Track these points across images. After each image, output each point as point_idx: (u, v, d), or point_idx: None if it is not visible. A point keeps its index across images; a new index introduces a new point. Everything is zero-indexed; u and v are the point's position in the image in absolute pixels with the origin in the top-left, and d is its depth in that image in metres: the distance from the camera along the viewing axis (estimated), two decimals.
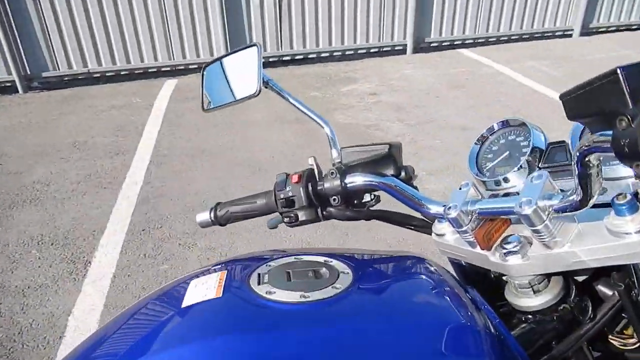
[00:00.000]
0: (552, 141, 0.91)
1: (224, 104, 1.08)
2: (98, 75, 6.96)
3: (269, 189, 0.97)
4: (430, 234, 0.88)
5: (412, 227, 0.96)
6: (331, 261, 0.84)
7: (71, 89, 6.75)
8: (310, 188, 0.90)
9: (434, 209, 0.81)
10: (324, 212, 0.93)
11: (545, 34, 8.50)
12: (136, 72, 7.08)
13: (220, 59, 1.11)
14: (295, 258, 0.86)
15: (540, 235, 0.68)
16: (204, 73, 1.13)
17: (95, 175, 4.29)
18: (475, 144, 1.02)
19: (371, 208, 0.96)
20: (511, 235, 0.76)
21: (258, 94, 1.00)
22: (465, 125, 4.91)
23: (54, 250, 3.27)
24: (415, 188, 0.91)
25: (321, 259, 0.85)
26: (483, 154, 1.01)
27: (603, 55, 7.22)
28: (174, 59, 7.11)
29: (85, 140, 5.06)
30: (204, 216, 1.01)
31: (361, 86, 6.41)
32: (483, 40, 8.26)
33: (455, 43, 8.15)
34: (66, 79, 6.87)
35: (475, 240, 0.75)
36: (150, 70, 7.13)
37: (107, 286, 2.89)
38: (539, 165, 0.91)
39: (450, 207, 0.75)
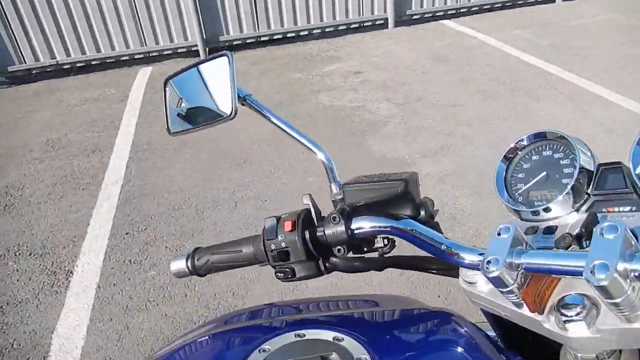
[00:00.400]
0: (604, 162, 0.76)
1: (192, 127, 0.91)
2: (68, 66, 6.60)
3: (257, 234, 0.80)
4: (458, 277, 0.73)
5: (436, 272, 0.81)
6: (341, 339, 0.69)
7: (40, 83, 6.41)
8: (307, 237, 0.74)
9: (468, 258, 0.66)
10: (327, 265, 0.77)
11: (528, 1, 8.32)
12: (108, 61, 6.74)
13: (184, 71, 0.93)
14: (296, 336, 0.71)
15: (619, 309, 0.52)
16: (167, 87, 0.94)
17: (71, 176, 4.06)
18: (502, 161, 0.86)
19: (386, 255, 0.80)
20: (569, 295, 0.60)
21: (234, 116, 0.83)
22: (455, 101, 4.75)
23: (32, 261, 3.06)
24: (437, 226, 0.75)
25: (329, 335, 0.70)
26: (512, 172, 0.85)
27: (588, 21, 7.09)
28: (146, 45, 6.77)
29: (58, 137, 4.79)
30: (180, 264, 0.84)
31: (344, 65, 6.19)
32: (465, 10, 8.05)
33: (437, 14, 7.93)
34: (34, 72, 6.51)
35: (522, 302, 0.60)
36: (122, 59, 6.79)
37: (92, 298, 2.72)
38: (588, 192, 0.75)
39: (490, 262, 0.58)
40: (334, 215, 0.74)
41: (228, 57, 0.85)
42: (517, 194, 0.82)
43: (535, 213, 0.77)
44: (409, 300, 1.01)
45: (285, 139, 4.20)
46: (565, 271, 0.56)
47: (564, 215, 0.75)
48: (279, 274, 0.75)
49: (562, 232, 0.72)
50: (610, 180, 0.73)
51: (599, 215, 0.72)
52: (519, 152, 0.85)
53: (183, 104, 0.93)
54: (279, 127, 0.87)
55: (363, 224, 0.74)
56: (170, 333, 2.38)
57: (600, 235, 0.53)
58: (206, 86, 0.90)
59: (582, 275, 0.51)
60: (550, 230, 0.74)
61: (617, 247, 0.51)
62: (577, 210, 0.75)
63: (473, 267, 0.65)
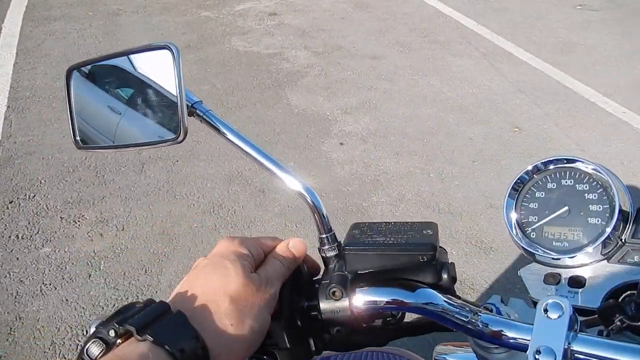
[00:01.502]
0: None
1: (111, 147, 0.67)
2: None
3: None
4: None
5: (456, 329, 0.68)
6: None
7: None
8: (298, 320, 0.57)
9: (510, 335, 0.51)
10: (318, 345, 0.61)
11: None
12: None
13: (99, 60, 0.67)
14: None
15: None
16: (71, 81, 0.67)
17: None
18: (512, 191, 0.73)
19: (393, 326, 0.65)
20: None
21: (182, 140, 0.61)
22: (375, 53, 4.62)
23: None
24: (454, 292, 0.61)
25: None
26: (522, 200, 0.73)
27: None
28: None
29: None
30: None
31: (258, 4, 5.73)
32: None
33: None
34: None
35: None
36: None
37: None
38: (623, 238, 0.65)
39: (540, 352, 0.46)
40: (333, 288, 0.57)
41: (172, 52, 0.61)
42: (529, 229, 0.70)
43: (557, 258, 0.66)
44: (408, 354, 0.89)
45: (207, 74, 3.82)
46: None
47: (592, 262, 0.65)
48: None
49: (593, 286, 0.62)
50: None
51: None
52: (535, 176, 0.72)
53: (99, 110, 0.67)
54: (242, 149, 0.65)
55: (370, 299, 0.58)
56: (74, 323, 2.10)
57: None
58: (137, 89, 0.66)
59: None
60: (578, 283, 0.64)
61: None
62: (609, 258, 0.65)
63: (515, 348, 0.52)
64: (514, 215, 0.71)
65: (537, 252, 0.66)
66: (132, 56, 0.64)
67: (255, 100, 3.86)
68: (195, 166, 3.08)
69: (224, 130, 0.65)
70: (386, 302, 0.57)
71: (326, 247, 0.64)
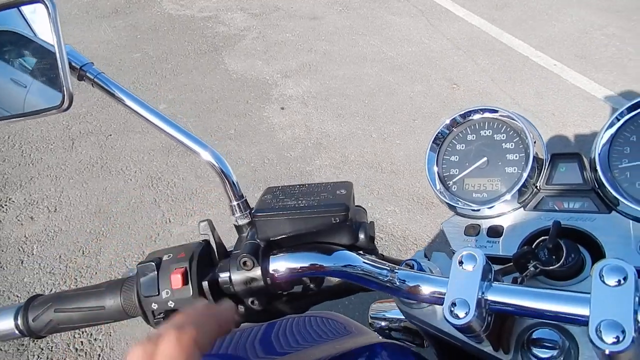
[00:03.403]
0: (557, 152, 0.66)
1: None
2: None
3: (126, 277, 0.57)
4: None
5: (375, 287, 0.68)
6: None
7: None
8: (207, 290, 0.54)
9: (425, 291, 0.51)
10: (235, 317, 0.58)
11: None
12: None
13: None
14: None
15: None
16: None
17: None
18: (433, 145, 0.72)
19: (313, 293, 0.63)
20: (539, 328, 0.52)
21: (67, 107, 0.55)
22: (314, 13, 4.51)
23: None
24: (376, 251, 0.60)
25: None
26: (444, 154, 0.72)
27: None
28: None
29: None
30: (6, 324, 0.58)
31: None
32: None
33: None
34: None
35: (484, 339, 0.50)
36: None
37: None
38: (537, 185, 0.66)
39: (455, 304, 0.46)
40: (243, 258, 0.54)
41: (46, 6, 0.54)
42: (450, 182, 0.70)
43: (476, 209, 0.66)
44: (342, 319, 0.89)
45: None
46: (555, 317, 0.45)
47: (509, 211, 0.65)
48: None
49: (510, 235, 0.63)
50: (565, 173, 0.64)
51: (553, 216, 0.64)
52: (454, 129, 0.72)
53: None
54: (139, 114, 0.60)
55: (285, 265, 0.56)
56: None
57: (600, 281, 0.41)
58: (25, 52, 0.59)
59: (585, 325, 0.40)
60: (496, 232, 0.64)
61: (631, 303, 0.40)
62: (525, 206, 0.66)
63: (432, 302, 0.52)
64: (436, 169, 0.71)
65: (457, 205, 0.67)
66: (21, 15, 0.56)
67: (191, 67, 3.70)
68: (130, 139, 2.94)
69: (120, 95, 0.60)
70: (301, 267, 0.56)
71: (238, 215, 0.61)
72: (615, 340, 0.38)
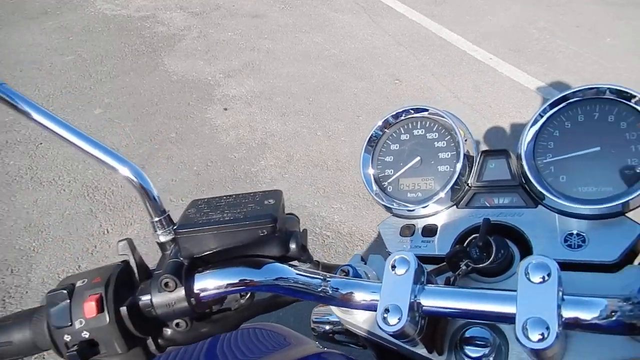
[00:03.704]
0: (487, 149, 0.67)
1: None
2: None
3: (36, 307, 0.53)
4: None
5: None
6: None
7: None
8: (126, 317, 0.51)
9: (359, 298, 0.50)
10: (159, 342, 0.55)
11: None
12: None
13: None
14: None
15: None
16: None
17: None
18: (367, 147, 0.72)
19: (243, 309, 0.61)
20: (471, 327, 0.52)
21: None
22: (257, 11, 4.46)
23: None
24: (310, 259, 0.58)
25: None
26: (378, 154, 0.72)
27: None
28: None
29: None
30: None
31: None
32: None
33: None
34: None
35: (419, 342, 0.49)
36: None
37: None
38: (469, 183, 0.66)
39: (388, 310, 0.45)
40: (165, 279, 0.50)
41: None
42: (386, 183, 0.69)
43: (411, 209, 0.66)
44: (280, 330, 0.87)
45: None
46: (486, 317, 0.44)
47: (443, 209, 0.65)
48: None
49: (444, 233, 0.63)
50: (494, 169, 0.65)
51: (480, 208, 0.64)
52: (386, 130, 0.71)
53: None
54: (47, 128, 0.55)
55: (211, 283, 0.53)
56: None
57: (525, 277, 0.42)
58: None
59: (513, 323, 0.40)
60: (430, 232, 0.64)
61: (554, 300, 0.40)
62: (457, 203, 0.66)
63: (366, 309, 0.50)
64: (371, 171, 0.70)
65: (393, 206, 0.66)
66: None
67: (129, 69, 3.56)
68: (62, 147, 2.79)
69: (27, 108, 0.55)
70: (229, 284, 0.53)
71: (160, 232, 0.57)
72: (540, 337, 0.39)
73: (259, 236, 0.53)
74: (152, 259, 0.56)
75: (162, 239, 0.56)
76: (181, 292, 0.51)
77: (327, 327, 0.86)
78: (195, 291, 0.52)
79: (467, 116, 3.11)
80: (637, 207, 0.55)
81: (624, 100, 0.58)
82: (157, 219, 0.56)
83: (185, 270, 0.53)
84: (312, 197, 2.55)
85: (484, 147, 2.87)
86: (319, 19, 4.39)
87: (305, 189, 2.61)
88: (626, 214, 0.56)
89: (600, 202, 0.55)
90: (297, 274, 0.53)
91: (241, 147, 2.90)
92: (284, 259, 0.55)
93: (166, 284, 0.51)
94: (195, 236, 0.53)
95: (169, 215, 0.58)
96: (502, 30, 4.16)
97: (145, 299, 0.52)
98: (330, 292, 0.51)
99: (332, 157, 2.84)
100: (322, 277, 0.52)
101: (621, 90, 0.58)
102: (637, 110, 0.57)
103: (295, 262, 0.56)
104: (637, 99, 0.57)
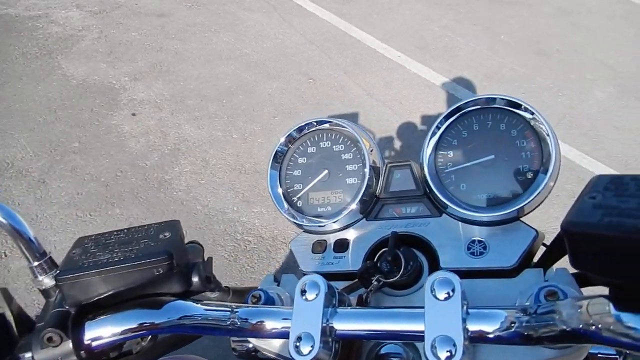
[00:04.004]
0: (392, 161, 0.67)
1: None
2: None
3: None
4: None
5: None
6: None
7: None
8: None
9: (270, 327, 0.48)
10: None
11: None
12: None
13: None
14: None
15: None
16: None
17: None
18: (274, 163, 0.70)
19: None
20: (385, 344, 0.52)
21: None
22: (162, 10, 4.26)
23: None
24: (219, 288, 0.56)
25: None
26: (286, 169, 0.70)
27: None
28: None
29: None
30: None
31: None
32: None
33: None
34: None
35: None
36: None
37: None
38: (377, 195, 0.66)
39: (300, 338, 0.44)
40: (48, 333, 0.45)
41: None
42: (295, 198, 0.68)
43: (322, 225, 0.65)
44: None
45: None
46: (397, 336, 0.45)
47: (353, 223, 0.65)
48: None
49: (356, 248, 0.63)
50: (400, 179, 0.66)
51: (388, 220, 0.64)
52: (290, 146, 0.70)
53: None
54: None
55: (105, 331, 0.48)
56: None
57: (431, 295, 0.43)
58: None
59: (422, 341, 0.41)
60: (342, 247, 0.64)
61: (458, 315, 0.42)
62: (367, 216, 0.66)
63: (279, 337, 0.48)
64: (279, 187, 0.69)
65: (303, 223, 0.66)
66: None
67: (20, 74, 3.26)
68: None
69: None
70: (126, 329, 0.49)
71: (41, 277, 0.52)
72: (448, 354, 0.40)
73: (154, 275, 0.49)
74: None
75: (44, 285, 0.51)
76: (68, 345, 0.46)
77: (250, 346, 0.85)
78: (86, 342, 0.48)
79: (381, 113, 3.21)
80: (532, 211, 0.59)
81: (513, 109, 0.62)
82: (36, 263, 0.51)
83: (72, 320, 0.48)
84: (231, 203, 2.50)
85: (398, 144, 2.98)
86: (228, 18, 4.29)
87: (224, 195, 2.55)
88: (521, 219, 0.59)
89: (497, 209, 0.58)
90: (203, 309, 0.50)
91: (153, 154, 2.76)
92: (188, 293, 0.52)
93: (49, 339, 0.46)
94: (81, 281, 0.48)
95: (50, 257, 0.53)
96: (408, 28, 4.33)
97: (26, 357, 0.47)
98: (239, 323, 0.49)
99: (249, 160, 2.80)
100: (229, 309, 0.50)
101: (510, 100, 0.62)
102: (525, 118, 0.61)
103: (195, 299, 0.53)
104: (523, 107, 0.61)
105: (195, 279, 0.53)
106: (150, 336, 0.55)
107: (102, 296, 0.49)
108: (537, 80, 3.62)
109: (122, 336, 0.49)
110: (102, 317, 0.49)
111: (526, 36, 4.20)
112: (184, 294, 0.52)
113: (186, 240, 0.57)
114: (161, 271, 0.49)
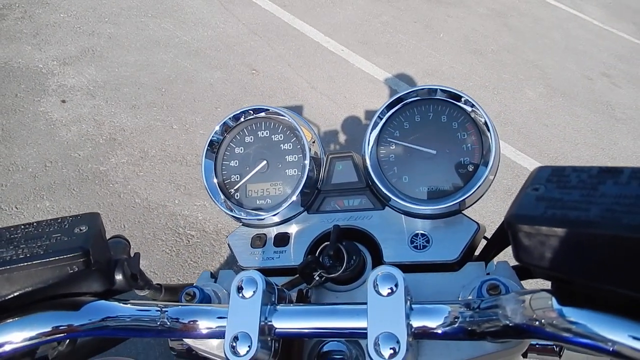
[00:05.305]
0: (333, 151, 0.65)
1: None
2: None
3: None
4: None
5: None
6: None
7: None
8: None
9: (204, 326, 0.45)
10: None
11: None
12: None
13: None
14: None
15: None
16: None
17: None
18: (208, 152, 0.66)
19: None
20: (328, 341, 0.51)
21: None
22: None
23: None
24: (149, 285, 0.51)
25: None
26: (223, 160, 0.67)
27: None
28: None
29: None
30: None
31: None
32: None
33: None
34: None
35: None
36: None
37: None
38: (318, 187, 0.64)
39: (237, 338, 0.42)
40: None
41: None
42: (232, 190, 0.64)
43: (262, 218, 0.62)
44: None
45: None
46: (340, 334, 0.43)
47: (294, 216, 0.63)
48: None
49: (297, 242, 0.61)
50: (342, 171, 0.64)
51: (330, 213, 0.63)
52: (227, 134, 0.66)
53: None
54: None
55: (13, 337, 0.42)
56: None
57: (375, 291, 0.42)
58: None
59: (365, 338, 0.40)
60: (283, 241, 0.61)
61: (401, 314, 0.40)
62: (308, 208, 0.63)
63: (214, 337, 0.45)
64: (214, 178, 0.65)
65: (242, 216, 0.62)
66: None
67: None
68: None
69: None
70: (39, 334, 0.44)
71: None
72: (392, 352, 0.39)
73: (69, 273, 0.44)
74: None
75: None
76: None
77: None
78: None
79: (325, 107, 3.22)
80: (473, 204, 0.59)
81: (454, 101, 0.61)
82: None
83: None
84: (172, 196, 2.40)
85: (342, 138, 3.00)
86: (166, 3, 4.11)
87: (164, 187, 2.45)
88: (463, 212, 0.59)
89: (439, 202, 0.57)
90: (128, 308, 0.46)
91: (86, 144, 2.60)
92: (111, 292, 0.48)
93: None
94: None
95: None
96: (351, 23, 4.36)
97: None
98: (169, 323, 0.46)
99: (190, 152, 2.71)
100: (158, 308, 0.46)
101: (450, 92, 0.61)
102: (465, 111, 0.61)
103: (119, 299, 0.49)
104: (464, 99, 0.61)
105: (118, 277, 0.49)
106: (68, 340, 0.50)
107: (6, 297, 0.44)
108: (474, 79, 3.78)
109: (33, 341, 0.44)
110: (8, 320, 0.44)
111: (463, 35, 4.37)
112: (106, 294, 0.48)
113: (109, 235, 0.52)
114: (76, 269, 0.44)
